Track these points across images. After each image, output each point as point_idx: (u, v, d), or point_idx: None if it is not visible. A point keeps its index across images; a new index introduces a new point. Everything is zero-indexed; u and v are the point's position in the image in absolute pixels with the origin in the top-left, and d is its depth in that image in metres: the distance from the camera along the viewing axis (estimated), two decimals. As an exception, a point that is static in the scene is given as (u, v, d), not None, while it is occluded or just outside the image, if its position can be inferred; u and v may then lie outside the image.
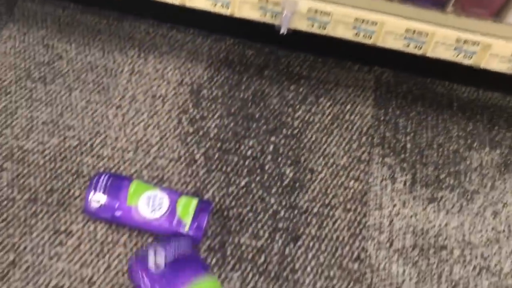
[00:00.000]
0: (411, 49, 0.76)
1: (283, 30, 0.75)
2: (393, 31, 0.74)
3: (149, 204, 0.70)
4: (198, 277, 0.56)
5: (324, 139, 0.86)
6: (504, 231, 0.80)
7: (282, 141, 0.85)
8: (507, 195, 0.84)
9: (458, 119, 0.92)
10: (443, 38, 0.73)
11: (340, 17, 0.73)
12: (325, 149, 0.85)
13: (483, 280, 0.75)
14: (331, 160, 0.84)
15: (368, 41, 0.76)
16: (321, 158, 0.84)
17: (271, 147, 0.84)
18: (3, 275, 0.69)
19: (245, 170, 0.81)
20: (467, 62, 0.76)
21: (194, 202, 0.73)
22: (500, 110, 0.94)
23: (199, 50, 0.94)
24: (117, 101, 0.86)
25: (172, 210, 0.71)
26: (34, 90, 0.85)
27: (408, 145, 0.87)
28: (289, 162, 0.83)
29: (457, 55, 0.75)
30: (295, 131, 0.87)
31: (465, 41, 0.73)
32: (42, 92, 0.85)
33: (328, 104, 0.90)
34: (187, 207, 0.72)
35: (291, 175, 0.82)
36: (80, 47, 0.91)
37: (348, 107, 0.91)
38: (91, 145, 0.81)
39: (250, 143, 0.84)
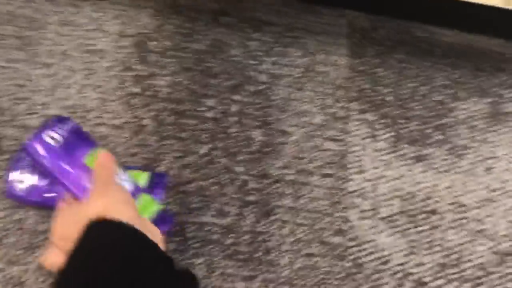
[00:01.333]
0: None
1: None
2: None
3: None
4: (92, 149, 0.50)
5: (295, 95, 0.75)
6: (498, 188, 0.72)
7: (247, 99, 0.73)
8: (499, 148, 0.75)
9: (442, 66, 0.82)
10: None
11: None
12: (296, 107, 0.74)
13: (479, 245, 0.67)
14: (304, 119, 0.73)
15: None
16: (293, 118, 0.73)
17: (235, 107, 0.72)
18: None
19: (205, 136, 0.69)
20: (458, -3, 0.65)
21: (144, 176, 0.60)
22: (485, 55, 0.84)
23: (142, -6, 0.79)
24: (43, 59, 0.70)
25: None
26: None
27: (389, 98, 0.77)
28: (256, 123, 0.71)
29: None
30: (262, 87, 0.74)
31: (458, -28, 0.62)
32: None
33: (298, 54, 0.78)
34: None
35: (259, 138, 0.70)
36: (-6, -6, 0.74)
37: (321, 57, 0.79)
38: (14, 113, 0.66)
39: (210, 103, 0.72)
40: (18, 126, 0.65)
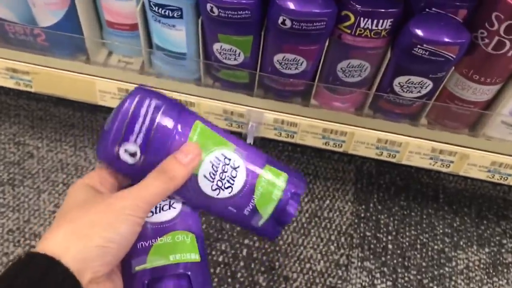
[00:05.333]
0: (385, 157, 0.72)
1: (249, 141, 0.72)
2: (364, 140, 0.70)
3: (215, 174, 0.42)
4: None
5: (300, 240, 0.82)
6: None
7: (257, 244, 0.82)
8: (496, 302, 0.79)
9: (444, 213, 0.87)
10: (418, 148, 0.70)
11: (308, 128, 0.70)
12: (301, 253, 0.81)
13: None
14: (308, 266, 0.80)
15: (339, 149, 0.72)
16: (297, 263, 0.80)
17: (245, 251, 0.81)
18: None
19: (215, 280, 0.78)
20: (445, 170, 0.72)
21: (282, 179, 0.44)
22: (490, 201, 0.89)
23: (173, 142, 0.91)
24: (86, 204, 0.83)
25: (248, 189, 0.43)
26: (2, 194, 0.83)
27: (390, 246, 0.83)
28: (262, 268, 0.79)
29: (434, 164, 0.71)
30: (270, 232, 0.83)
31: (441, 151, 0.69)
32: (10, 196, 0.83)
33: (306, 199, 0.87)
34: (270, 190, 0.43)
35: (264, 284, 0.78)
36: (52, 143, 0.89)
37: (327, 202, 0.87)
38: (57, 255, 0.78)
39: (223, 247, 0.81)
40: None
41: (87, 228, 0.36)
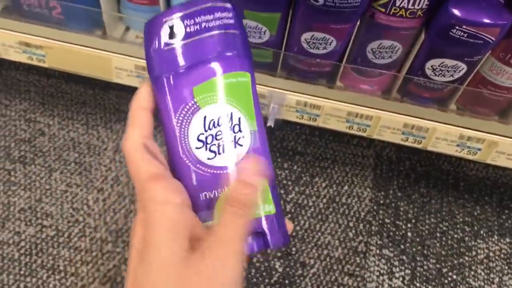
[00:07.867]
0: (410, 143, 0.70)
1: (270, 123, 0.69)
2: (390, 125, 0.68)
3: (210, 128, 0.33)
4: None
5: (318, 226, 0.81)
6: (511, 338, 0.73)
7: (272, 229, 0.80)
8: (516, 293, 0.77)
9: (465, 201, 0.85)
10: (445, 134, 0.67)
11: (332, 111, 0.68)
12: (318, 238, 0.79)
13: None
14: (325, 252, 0.78)
15: (363, 134, 0.70)
16: (314, 249, 0.78)
17: (260, 236, 0.79)
18: None
19: (231, 264, 0.76)
20: (471, 157, 0.70)
21: (268, 205, 0.35)
22: (512, 190, 0.87)
23: (188, 123, 0.89)
24: (98, 184, 0.81)
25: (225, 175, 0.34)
26: (13, 172, 0.81)
27: (409, 234, 0.81)
28: (279, 254, 0.78)
29: (461, 151, 0.69)
30: (288, 217, 0.81)
31: (469, 138, 0.67)
32: (21, 175, 0.81)
33: (324, 184, 0.85)
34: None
35: (280, 270, 0.76)
36: (63, 121, 0.87)
37: (345, 188, 0.85)
38: (69, 235, 0.76)
39: (238, 231, 0.79)
40: (72, 248, 0.75)
41: None
